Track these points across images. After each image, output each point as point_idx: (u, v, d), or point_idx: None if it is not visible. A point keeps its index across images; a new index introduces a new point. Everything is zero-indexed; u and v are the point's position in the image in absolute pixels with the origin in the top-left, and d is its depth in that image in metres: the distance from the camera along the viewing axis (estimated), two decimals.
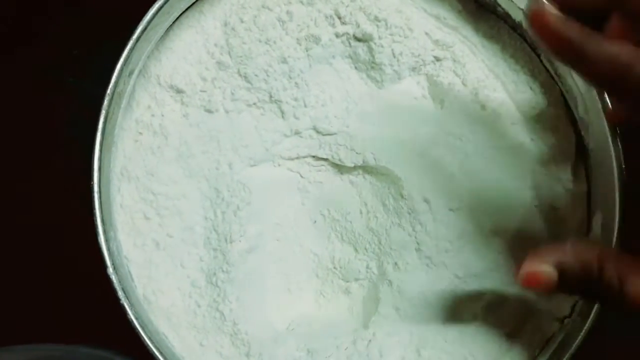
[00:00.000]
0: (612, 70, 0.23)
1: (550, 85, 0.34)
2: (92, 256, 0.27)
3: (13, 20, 0.37)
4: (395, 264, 0.31)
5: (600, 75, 0.24)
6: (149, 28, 0.28)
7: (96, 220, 0.26)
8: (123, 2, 0.36)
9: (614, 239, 0.30)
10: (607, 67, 0.23)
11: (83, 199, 0.27)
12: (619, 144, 0.31)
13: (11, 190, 0.36)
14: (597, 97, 0.31)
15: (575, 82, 0.32)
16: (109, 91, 0.27)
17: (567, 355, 0.29)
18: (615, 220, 0.30)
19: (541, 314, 0.32)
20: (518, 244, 0.32)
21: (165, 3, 0.29)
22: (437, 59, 0.33)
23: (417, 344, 0.30)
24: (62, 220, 0.35)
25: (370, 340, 0.30)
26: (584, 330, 0.29)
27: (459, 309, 0.31)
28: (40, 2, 0.37)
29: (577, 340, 0.29)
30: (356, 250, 0.33)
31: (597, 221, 0.32)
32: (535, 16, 0.24)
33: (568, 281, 0.24)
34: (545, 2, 0.25)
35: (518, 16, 0.33)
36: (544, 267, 0.24)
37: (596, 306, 0.29)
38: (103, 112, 0.27)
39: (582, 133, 0.33)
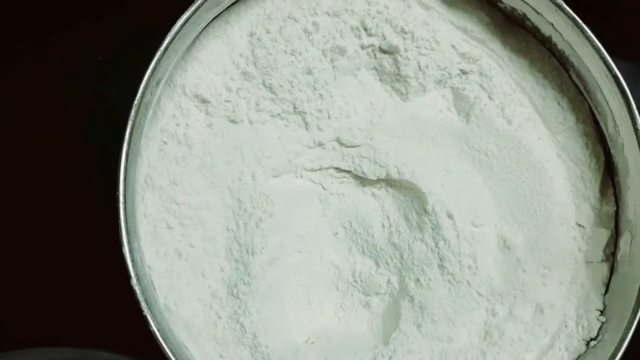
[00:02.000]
0: None
1: (579, 101, 0.33)
2: (113, 261, 0.27)
3: (39, 24, 0.38)
4: (417, 279, 0.31)
5: None
6: (176, 38, 0.28)
7: (121, 231, 0.26)
8: (148, 9, 0.37)
9: None
10: None
11: (107, 204, 0.28)
12: None
13: (32, 193, 0.36)
14: (628, 114, 0.31)
15: (605, 99, 0.32)
16: (135, 102, 0.27)
17: None
18: None
19: (568, 334, 0.31)
20: (544, 262, 0.32)
21: (193, 14, 0.29)
22: (464, 72, 0.33)
23: None
24: (82, 224, 0.35)
25: (390, 357, 0.30)
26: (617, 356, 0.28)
27: (481, 328, 0.31)
28: (66, 8, 0.38)
29: None
30: (377, 264, 0.32)
31: (625, 241, 0.32)
32: None
33: None
34: None
35: (547, 30, 0.33)
36: None
37: (631, 332, 0.29)
38: (129, 123, 0.27)
39: (612, 151, 0.33)
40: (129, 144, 0.27)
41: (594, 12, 0.31)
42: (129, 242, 0.26)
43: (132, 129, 0.27)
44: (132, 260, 0.26)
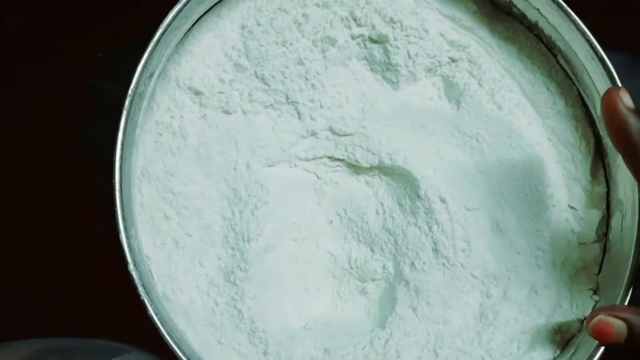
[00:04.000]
0: None
1: (568, 85, 0.34)
2: (113, 254, 0.27)
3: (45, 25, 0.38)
4: (412, 264, 0.31)
5: None
6: (168, 31, 0.29)
7: (117, 218, 0.26)
8: (148, 6, 0.37)
9: (634, 239, 0.30)
10: None
11: (105, 197, 0.28)
12: None
13: (35, 188, 0.37)
14: None
15: (593, 82, 0.32)
16: (130, 92, 0.27)
17: (588, 357, 0.29)
18: (635, 220, 0.30)
19: (562, 314, 0.31)
20: (537, 244, 0.32)
21: (184, 7, 0.29)
22: (453, 60, 0.33)
23: (434, 344, 0.30)
24: (84, 217, 0.35)
25: (387, 340, 0.30)
26: None
27: (476, 309, 0.31)
28: (68, 7, 0.38)
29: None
30: (372, 250, 0.33)
31: (616, 221, 0.32)
32: (608, 101, 0.27)
33: (636, 339, 0.26)
34: (623, 91, 0.27)
35: (534, 16, 0.33)
36: (616, 322, 0.26)
37: None
38: (124, 112, 0.27)
39: (601, 133, 0.33)
40: (124, 133, 0.27)
41: (588, 7, 0.31)
42: (125, 229, 0.26)
43: (126, 118, 0.27)
44: (129, 247, 0.26)
